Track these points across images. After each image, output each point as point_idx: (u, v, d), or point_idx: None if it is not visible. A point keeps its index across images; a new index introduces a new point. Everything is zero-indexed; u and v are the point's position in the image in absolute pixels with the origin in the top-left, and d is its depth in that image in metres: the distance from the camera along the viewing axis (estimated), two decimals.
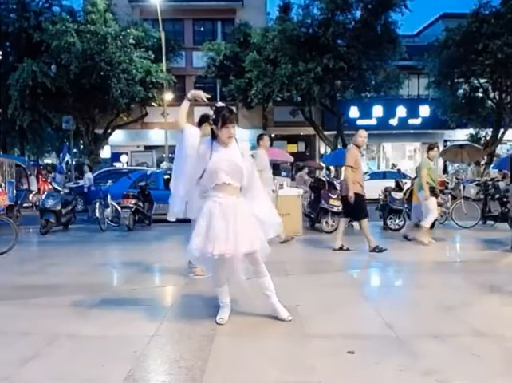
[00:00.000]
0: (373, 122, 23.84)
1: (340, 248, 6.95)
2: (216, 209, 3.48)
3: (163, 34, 20.70)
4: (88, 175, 13.06)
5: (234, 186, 3.55)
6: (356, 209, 6.84)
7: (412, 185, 10.39)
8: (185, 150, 4.04)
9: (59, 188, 10.25)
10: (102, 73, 18.62)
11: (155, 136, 24.07)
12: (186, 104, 3.92)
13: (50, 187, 15.24)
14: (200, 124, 4.64)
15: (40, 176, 17.27)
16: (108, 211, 10.10)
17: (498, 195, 10.05)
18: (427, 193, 7.46)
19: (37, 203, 12.70)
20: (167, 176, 13.34)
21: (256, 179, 3.79)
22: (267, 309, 3.81)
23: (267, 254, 3.67)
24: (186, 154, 4.00)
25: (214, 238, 3.42)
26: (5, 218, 7.95)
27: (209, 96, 3.94)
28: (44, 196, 10.13)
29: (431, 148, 8.06)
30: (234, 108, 3.76)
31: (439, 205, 9.02)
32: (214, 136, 3.58)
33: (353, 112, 23.54)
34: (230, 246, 3.42)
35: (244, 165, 3.57)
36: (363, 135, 6.97)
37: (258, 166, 7.48)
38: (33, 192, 13.46)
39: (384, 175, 18.17)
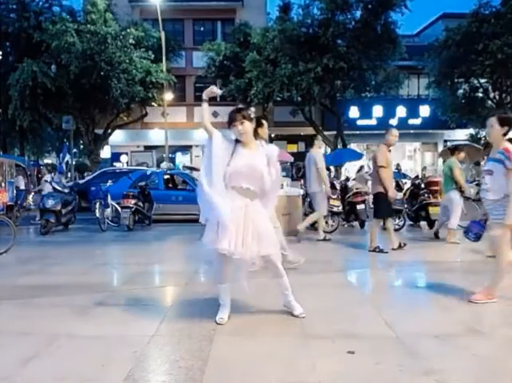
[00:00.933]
0: (373, 122, 23.85)
1: (377, 249, 6.85)
2: (229, 209, 3.45)
3: (163, 34, 20.70)
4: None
5: (251, 190, 3.55)
6: (380, 207, 6.87)
7: (412, 185, 10.40)
8: (215, 157, 3.63)
9: (59, 188, 10.24)
10: (102, 73, 18.61)
11: (155, 136, 24.07)
12: (205, 105, 3.70)
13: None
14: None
15: (39, 176, 17.28)
16: (108, 211, 10.10)
17: None
18: (465, 188, 7.59)
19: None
20: (167, 176, 13.39)
21: (275, 192, 3.82)
22: (267, 309, 3.81)
23: (280, 258, 3.73)
24: (215, 161, 3.62)
25: (224, 237, 3.42)
26: (4, 218, 7.95)
27: (220, 91, 3.86)
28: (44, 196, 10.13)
29: (460, 150, 8.06)
30: (252, 109, 3.69)
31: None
32: (237, 139, 3.60)
33: (353, 112, 23.55)
34: (238, 249, 3.43)
35: (266, 170, 3.55)
36: (395, 133, 6.93)
37: (318, 165, 7.55)
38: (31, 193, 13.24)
39: None
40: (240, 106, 3.78)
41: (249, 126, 3.56)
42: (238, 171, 3.49)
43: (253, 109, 3.66)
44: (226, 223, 3.42)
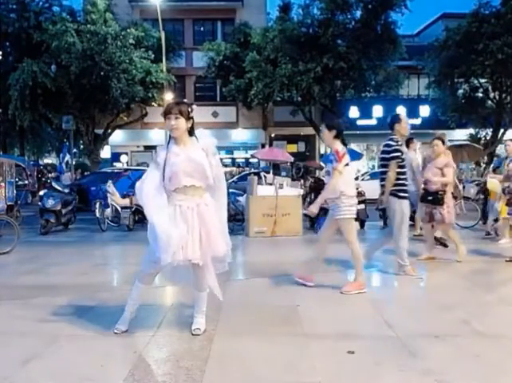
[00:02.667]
0: (373, 122, 23.84)
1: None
2: (177, 213, 3.23)
3: (163, 34, 20.69)
4: None
5: (197, 187, 3.29)
6: None
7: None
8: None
9: (59, 188, 10.23)
10: (102, 73, 18.61)
11: (155, 136, 24.07)
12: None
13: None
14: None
15: (39, 176, 17.26)
16: (108, 211, 10.10)
17: None
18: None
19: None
20: None
21: (223, 182, 3.56)
22: (267, 308, 3.81)
23: (228, 262, 3.53)
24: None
25: (177, 245, 3.16)
26: (7, 218, 7.96)
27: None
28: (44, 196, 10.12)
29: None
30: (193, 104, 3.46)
31: None
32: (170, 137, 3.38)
33: (353, 112, 23.54)
34: (189, 252, 3.21)
35: (206, 163, 3.29)
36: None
37: (413, 168, 7.35)
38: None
39: None
40: (179, 100, 3.62)
41: (182, 123, 3.30)
42: (178, 170, 3.22)
43: (194, 107, 3.43)
44: (168, 236, 3.13)
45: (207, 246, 3.28)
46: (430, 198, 6.12)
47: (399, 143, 5.34)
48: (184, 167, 3.23)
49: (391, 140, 5.32)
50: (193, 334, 3.43)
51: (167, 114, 3.34)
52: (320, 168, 17.94)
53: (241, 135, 24.90)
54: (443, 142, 6.37)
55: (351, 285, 4.69)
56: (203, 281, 3.46)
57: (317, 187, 9.69)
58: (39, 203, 12.07)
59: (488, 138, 21.77)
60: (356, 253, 4.73)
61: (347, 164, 4.61)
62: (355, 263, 4.76)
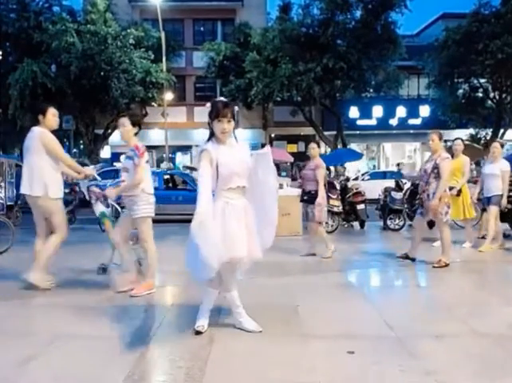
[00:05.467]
0: (373, 122, 23.84)
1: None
2: (228, 211, 3.23)
3: (163, 34, 20.70)
4: None
5: (243, 186, 3.33)
6: None
7: (412, 185, 10.38)
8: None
9: None
10: (102, 73, 18.63)
11: (155, 136, 24.07)
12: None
13: None
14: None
15: None
16: (108, 210, 10.08)
17: None
18: None
19: None
20: (167, 176, 13.39)
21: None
22: (267, 308, 3.80)
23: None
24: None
25: (232, 242, 3.16)
26: (3, 218, 7.94)
27: None
28: None
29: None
30: (236, 108, 3.40)
31: None
32: (211, 136, 3.30)
33: (353, 112, 23.54)
34: (243, 249, 3.24)
35: (250, 163, 3.36)
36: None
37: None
38: None
39: (384, 175, 18.18)
40: (227, 101, 3.48)
41: (232, 126, 3.28)
42: (234, 170, 3.23)
43: (237, 108, 3.42)
44: (229, 227, 3.17)
45: (248, 247, 3.29)
46: (305, 198, 6.52)
47: None
48: (237, 168, 3.26)
49: None
50: (249, 331, 3.42)
51: (218, 116, 3.22)
52: None
53: (241, 135, 24.74)
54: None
55: (141, 287, 4.50)
56: (233, 280, 3.47)
57: None
58: None
59: (488, 138, 21.76)
60: (151, 253, 4.57)
61: (147, 161, 4.55)
62: (150, 263, 4.57)
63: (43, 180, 4.58)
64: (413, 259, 6.02)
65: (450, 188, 7.31)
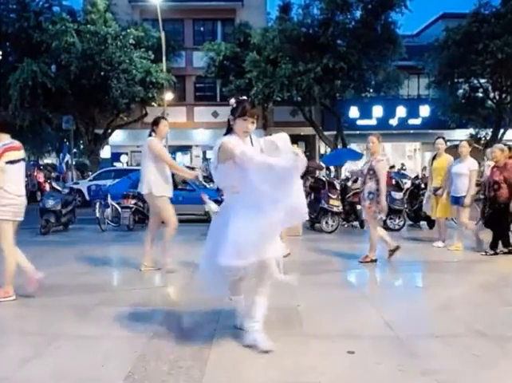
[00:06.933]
0: (373, 122, 23.83)
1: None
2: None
3: (163, 34, 20.68)
4: None
5: None
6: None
7: (412, 185, 10.39)
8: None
9: (59, 188, 10.23)
10: (102, 73, 18.61)
11: None
12: None
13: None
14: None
15: (46, 177, 17.22)
16: (108, 211, 10.10)
17: None
18: None
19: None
20: None
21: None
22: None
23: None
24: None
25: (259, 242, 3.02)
26: None
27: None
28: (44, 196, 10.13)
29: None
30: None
31: None
32: (229, 132, 3.26)
33: (353, 112, 23.54)
34: (271, 249, 3.18)
35: None
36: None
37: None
38: None
39: None
40: (253, 102, 3.48)
41: (254, 127, 3.30)
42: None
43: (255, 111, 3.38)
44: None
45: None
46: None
47: None
48: None
49: None
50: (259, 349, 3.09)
51: (245, 115, 3.20)
52: (321, 168, 17.95)
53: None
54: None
55: None
56: (269, 281, 3.30)
57: (317, 187, 9.70)
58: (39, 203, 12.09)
59: (488, 138, 21.76)
60: (9, 261, 4.29)
61: (14, 162, 4.28)
62: (7, 268, 4.32)
63: (148, 180, 5.38)
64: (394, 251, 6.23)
65: (437, 189, 7.34)
